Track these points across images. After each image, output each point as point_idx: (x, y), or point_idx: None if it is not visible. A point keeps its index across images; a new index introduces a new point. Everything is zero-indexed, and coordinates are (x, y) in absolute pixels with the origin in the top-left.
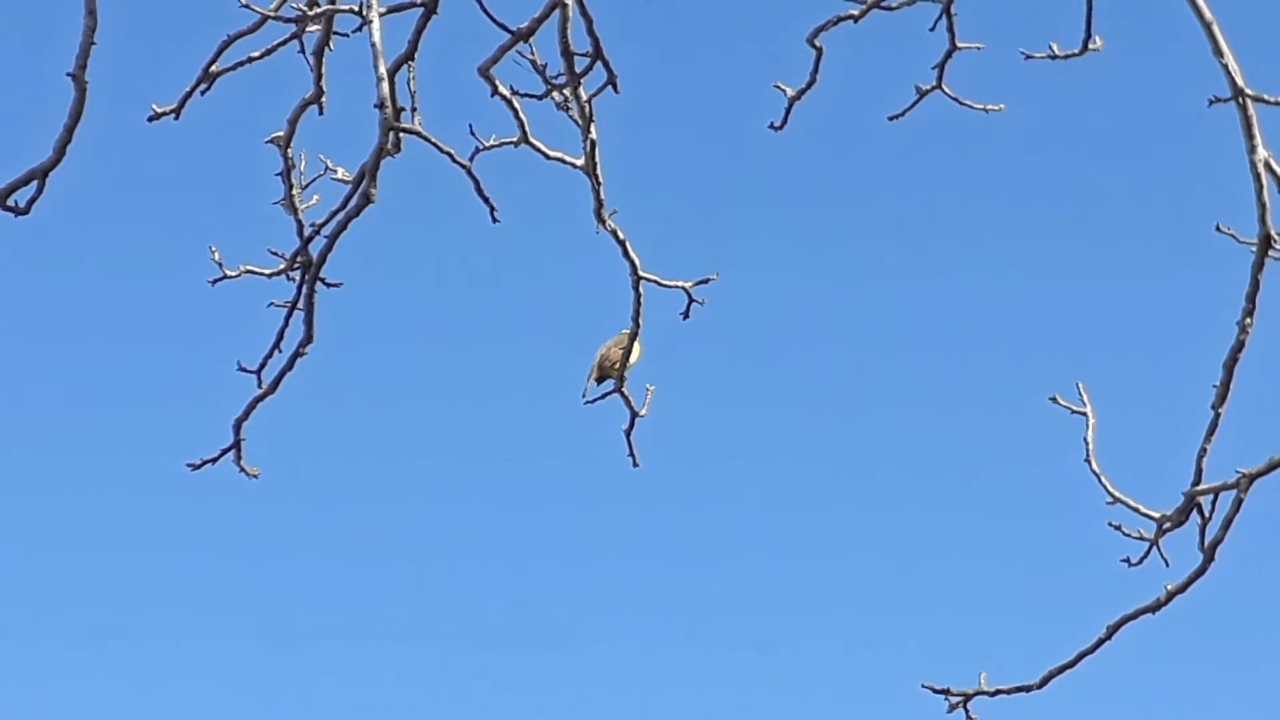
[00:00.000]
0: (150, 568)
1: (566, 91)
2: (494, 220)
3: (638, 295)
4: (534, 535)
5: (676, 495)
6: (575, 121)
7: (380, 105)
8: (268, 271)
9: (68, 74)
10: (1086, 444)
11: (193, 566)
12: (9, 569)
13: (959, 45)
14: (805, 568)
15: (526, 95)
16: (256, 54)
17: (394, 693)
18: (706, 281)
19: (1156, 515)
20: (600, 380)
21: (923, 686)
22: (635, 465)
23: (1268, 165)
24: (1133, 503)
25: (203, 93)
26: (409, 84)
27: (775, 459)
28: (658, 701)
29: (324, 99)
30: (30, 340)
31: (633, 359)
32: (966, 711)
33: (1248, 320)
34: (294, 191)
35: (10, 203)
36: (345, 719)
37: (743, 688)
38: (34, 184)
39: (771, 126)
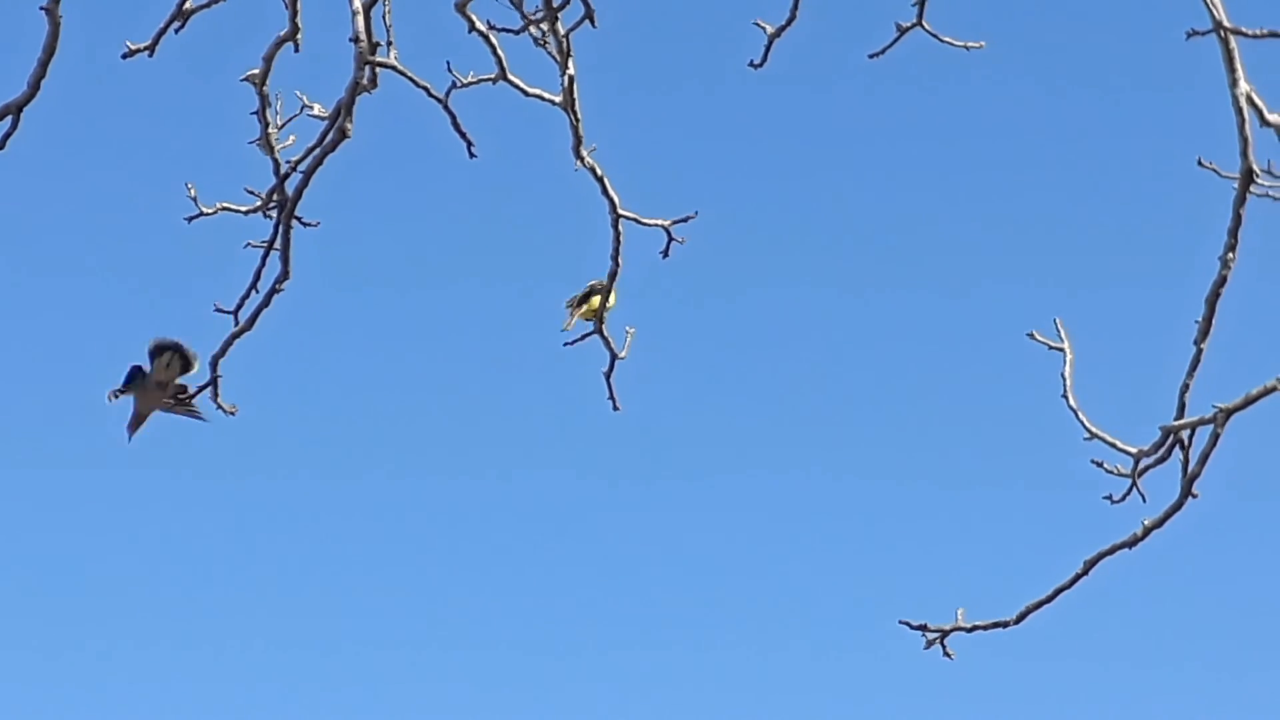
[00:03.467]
0: (123, 515)
1: (544, 26)
2: (471, 156)
3: (617, 233)
4: (506, 477)
5: (650, 441)
6: (553, 57)
7: (355, 39)
8: (244, 209)
9: (41, 7)
10: (1064, 379)
11: (164, 516)
12: None
13: None
14: (782, 505)
15: (504, 30)
16: None
17: (368, 657)
18: (686, 220)
19: (1134, 450)
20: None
21: (900, 623)
22: (615, 409)
23: (1249, 99)
24: (1109, 438)
25: (177, 30)
26: (384, 19)
27: (750, 400)
28: (633, 637)
29: (299, 36)
30: None
31: (611, 301)
32: (943, 647)
33: (1230, 255)
34: (270, 130)
35: None
36: (315, 695)
37: (721, 625)
38: (8, 119)
39: (751, 64)
